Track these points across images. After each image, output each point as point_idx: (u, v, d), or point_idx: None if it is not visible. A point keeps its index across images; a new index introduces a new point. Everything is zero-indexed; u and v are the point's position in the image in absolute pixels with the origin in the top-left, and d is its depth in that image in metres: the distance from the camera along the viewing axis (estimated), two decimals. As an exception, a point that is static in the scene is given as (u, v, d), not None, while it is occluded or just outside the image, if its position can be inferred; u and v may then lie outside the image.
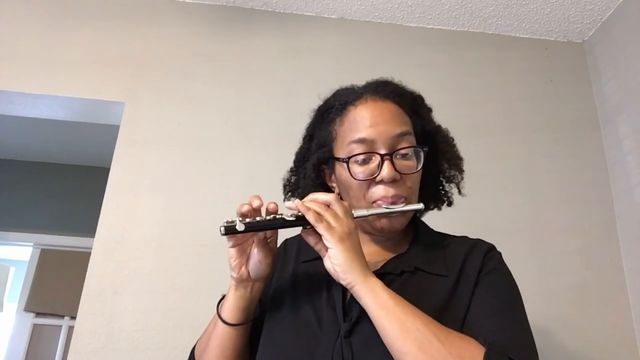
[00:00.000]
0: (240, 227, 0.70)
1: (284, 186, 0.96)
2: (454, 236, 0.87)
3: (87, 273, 1.43)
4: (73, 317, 2.85)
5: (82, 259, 2.13)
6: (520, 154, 1.73)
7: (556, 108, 1.80)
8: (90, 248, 1.47)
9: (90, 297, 1.40)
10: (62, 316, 3.01)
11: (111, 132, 1.68)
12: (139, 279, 1.44)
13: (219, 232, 0.70)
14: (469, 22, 1.86)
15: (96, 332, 1.37)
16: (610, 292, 1.56)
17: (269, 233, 0.77)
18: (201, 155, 1.61)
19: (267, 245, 0.77)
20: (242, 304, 0.78)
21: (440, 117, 0.93)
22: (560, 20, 1.82)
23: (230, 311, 0.78)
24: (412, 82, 0.91)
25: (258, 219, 0.72)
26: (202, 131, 1.64)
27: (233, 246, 0.76)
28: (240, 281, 0.77)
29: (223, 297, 0.82)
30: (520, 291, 0.78)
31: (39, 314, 3.00)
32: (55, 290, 3.00)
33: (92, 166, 3.15)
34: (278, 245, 0.83)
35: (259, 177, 1.60)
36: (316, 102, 1.75)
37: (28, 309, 2.98)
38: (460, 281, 0.76)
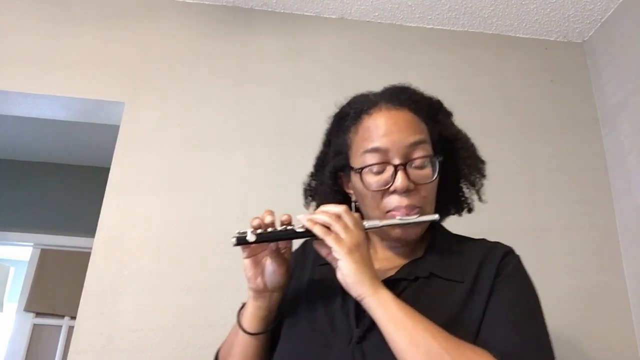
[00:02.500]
0: (251, 237, 0.72)
1: (305, 190, 0.96)
2: (472, 239, 0.86)
3: (87, 273, 1.43)
4: (73, 317, 2.85)
5: (82, 259, 2.13)
6: (520, 154, 1.73)
7: (556, 108, 1.80)
8: (90, 248, 1.47)
9: (90, 297, 1.40)
10: (62, 316, 3.01)
11: (111, 132, 1.68)
12: (139, 279, 1.43)
13: (231, 244, 0.73)
14: (469, 22, 1.86)
15: (96, 332, 1.36)
16: (610, 292, 1.56)
17: (282, 244, 0.78)
18: (201, 155, 1.61)
19: (281, 256, 0.78)
20: (262, 313, 0.79)
21: (440, 117, 0.92)
22: (560, 20, 1.82)
23: (250, 320, 0.79)
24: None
25: (270, 230, 0.73)
26: (202, 131, 1.64)
27: (247, 257, 0.77)
28: (257, 292, 0.78)
29: (243, 305, 0.82)
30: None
31: (39, 314, 3.00)
32: (55, 290, 3.00)
33: (92, 166, 3.14)
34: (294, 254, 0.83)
35: (259, 177, 1.60)
36: (316, 102, 1.76)
37: (28, 309, 2.97)
38: (475, 287, 0.75)
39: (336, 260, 0.70)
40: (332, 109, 0.91)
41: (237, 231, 0.73)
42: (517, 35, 1.91)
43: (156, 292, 1.43)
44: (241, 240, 0.72)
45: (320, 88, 1.74)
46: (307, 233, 0.73)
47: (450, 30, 1.90)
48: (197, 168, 1.59)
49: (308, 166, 0.94)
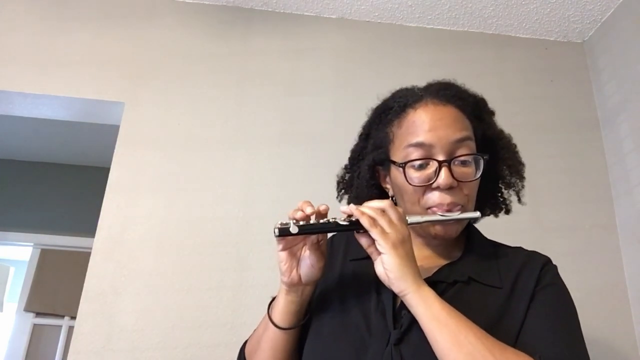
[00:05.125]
0: (294, 229, 0.70)
1: (338, 183, 0.94)
2: (508, 246, 0.85)
3: (87, 273, 1.43)
4: (73, 317, 2.85)
5: (82, 259, 2.13)
6: (520, 154, 1.72)
7: (556, 108, 1.80)
8: (90, 248, 1.47)
9: (90, 297, 1.40)
10: (62, 316, 3.01)
11: (111, 132, 1.68)
12: (139, 279, 1.44)
13: (273, 234, 0.71)
14: (469, 22, 1.86)
15: (96, 332, 1.37)
16: (610, 292, 1.56)
17: (321, 236, 0.76)
18: (201, 155, 1.61)
19: (320, 249, 0.76)
20: (293, 308, 0.77)
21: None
22: (560, 20, 1.82)
23: (282, 315, 0.77)
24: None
25: (312, 222, 0.72)
26: (202, 131, 1.64)
27: (283, 249, 0.75)
28: (291, 285, 0.76)
29: (273, 299, 0.81)
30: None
31: (39, 314, 3.00)
32: (55, 290, 3.00)
33: (92, 166, 3.15)
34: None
35: (259, 177, 1.60)
36: (316, 102, 1.76)
37: (28, 309, 2.97)
38: (514, 294, 0.74)
39: (378, 253, 0.69)
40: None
41: (279, 222, 0.71)
42: (517, 35, 1.90)
43: (156, 292, 1.43)
44: (284, 232, 0.70)
45: (320, 88, 1.74)
46: (351, 226, 0.71)
47: (450, 30, 1.90)
48: (197, 168, 1.59)
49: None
